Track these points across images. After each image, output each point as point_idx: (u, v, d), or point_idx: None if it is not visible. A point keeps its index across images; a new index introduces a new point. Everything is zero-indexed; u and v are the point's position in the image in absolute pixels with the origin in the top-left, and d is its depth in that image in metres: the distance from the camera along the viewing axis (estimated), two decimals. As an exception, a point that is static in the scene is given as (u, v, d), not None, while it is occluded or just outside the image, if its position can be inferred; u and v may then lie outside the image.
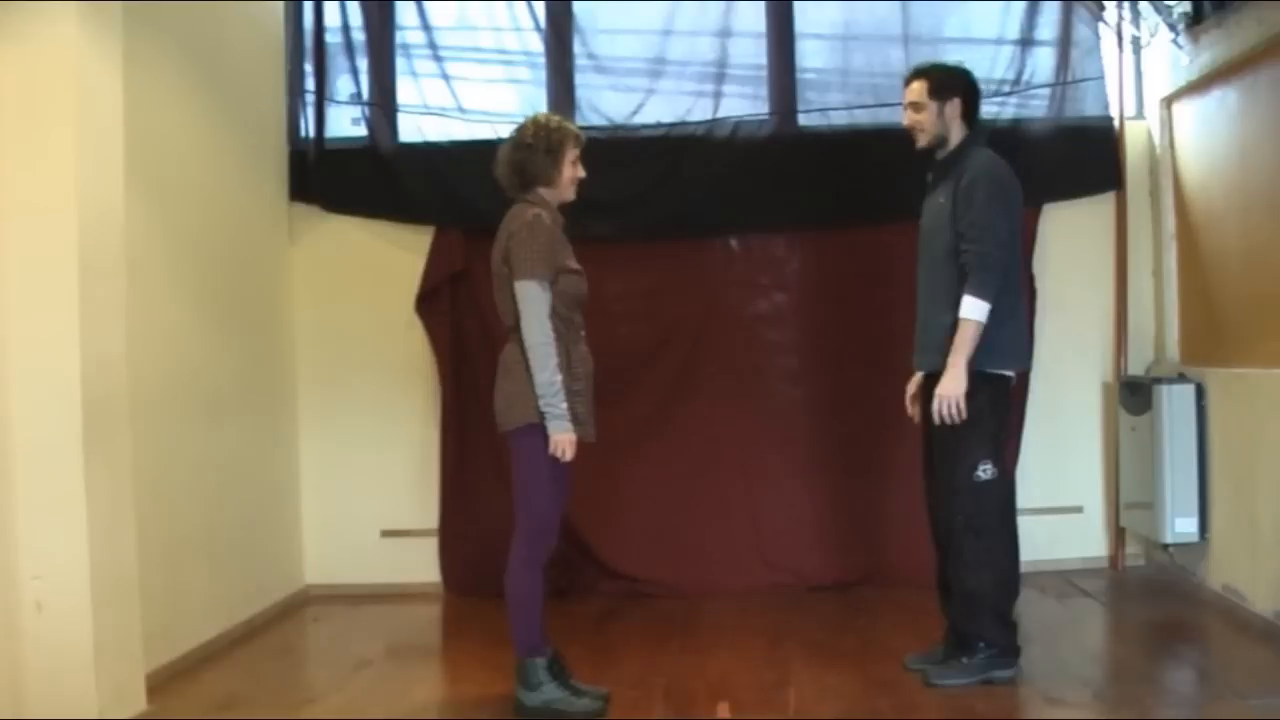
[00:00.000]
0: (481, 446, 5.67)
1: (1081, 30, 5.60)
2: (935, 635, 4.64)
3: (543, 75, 5.79)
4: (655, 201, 5.63)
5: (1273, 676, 4.02)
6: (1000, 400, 4.04)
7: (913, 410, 4.24)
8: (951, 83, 4.09)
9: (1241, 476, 4.76)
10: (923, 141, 4.14)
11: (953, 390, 3.89)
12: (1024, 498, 5.51)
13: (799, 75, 5.73)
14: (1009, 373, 4.06)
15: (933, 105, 4.07)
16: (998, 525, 4.01)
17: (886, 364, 5.56)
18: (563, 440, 3.73)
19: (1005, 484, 4.06)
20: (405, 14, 5.79)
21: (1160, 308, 5.64)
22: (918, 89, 4.11)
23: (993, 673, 3.99)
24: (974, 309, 3.88)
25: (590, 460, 5.48)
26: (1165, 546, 5.20)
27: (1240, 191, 4.93)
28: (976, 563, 3.97)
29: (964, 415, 3.89)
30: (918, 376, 4.20)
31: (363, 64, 5.78)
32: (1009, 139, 5.59)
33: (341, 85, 5.89)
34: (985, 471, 3.95)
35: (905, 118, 4.17)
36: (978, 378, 3.93)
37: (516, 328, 3.79)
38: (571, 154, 3.89)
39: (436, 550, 5.75)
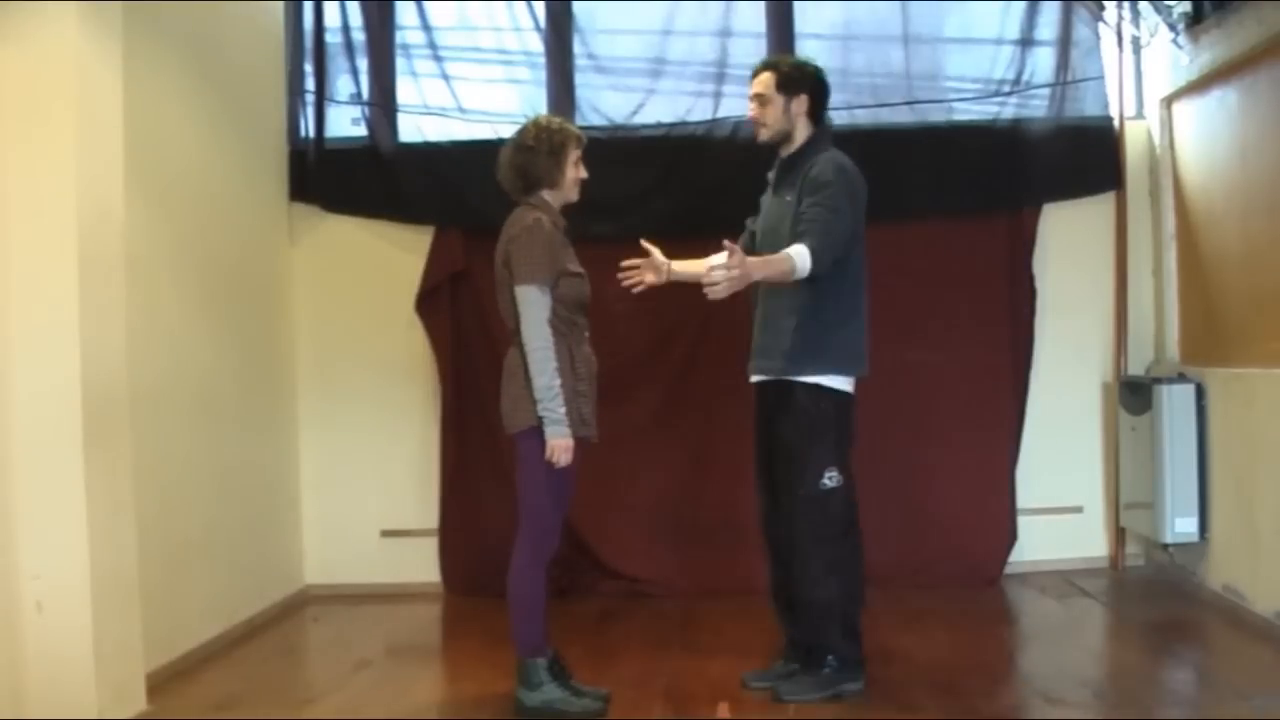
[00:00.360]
0: (481, 446, 5.66)
1: (1081, 30, 5.59)
2: (936, 635, 4.66)
3: (543, 75, 5.79)
4: (655, 201, 5.63)
5: (1273, 676, 4.03)
6: (844, 407, 3.92)
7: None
8: (800, 78, 3.94)
9: (1241, 476, 4.76)
10: (764, 136, 3.99)
11: (742, 270, 3.61)
12: (1024, 498, 5.58)
13: (799, 75, 5.72)
14: (850, 381, 3.93)
15: (779, 99, 3.92)
16: (843, 534, 3.89)
17: (887, 362, 5.57)
18: (558, 446, 3.73)
19: (850, 492, 3.92)
20: (405, 14, 5.79)
21: (1160, 308, 5.64)
22: (765, 80, 3.95)
23: (842, 686, 3.89)
24: (800, 257, 3.66)
25: (591, 460, 5.50)
26: (1165, 546, 5.20)
27: (1240, 191, 4.93)
28: (823, 574, 3.86)
29: (801, 425, 3.81)
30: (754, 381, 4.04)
31: (363, 64, 5.78)
32: (1009, 139, 5.62)
33: (341, 85, 5.89)
34: (830, 479, 3.85)
35: (749, 109, 4.03)
36: (821, 387, 3.84)
37: (518, 331, 3.79)
38: (574, 155, 3.89)
39: (436, 550, 5.75)
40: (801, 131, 3.97)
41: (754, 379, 4.04)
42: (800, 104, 3.94)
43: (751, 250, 3.92)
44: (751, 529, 5.59)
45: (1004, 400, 5.56)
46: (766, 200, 4.07)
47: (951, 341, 5.57)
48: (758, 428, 4.04)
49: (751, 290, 3.92)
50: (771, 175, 4.06)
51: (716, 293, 3.63)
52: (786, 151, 4.00)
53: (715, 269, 3.66)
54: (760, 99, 3.97)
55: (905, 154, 5.59)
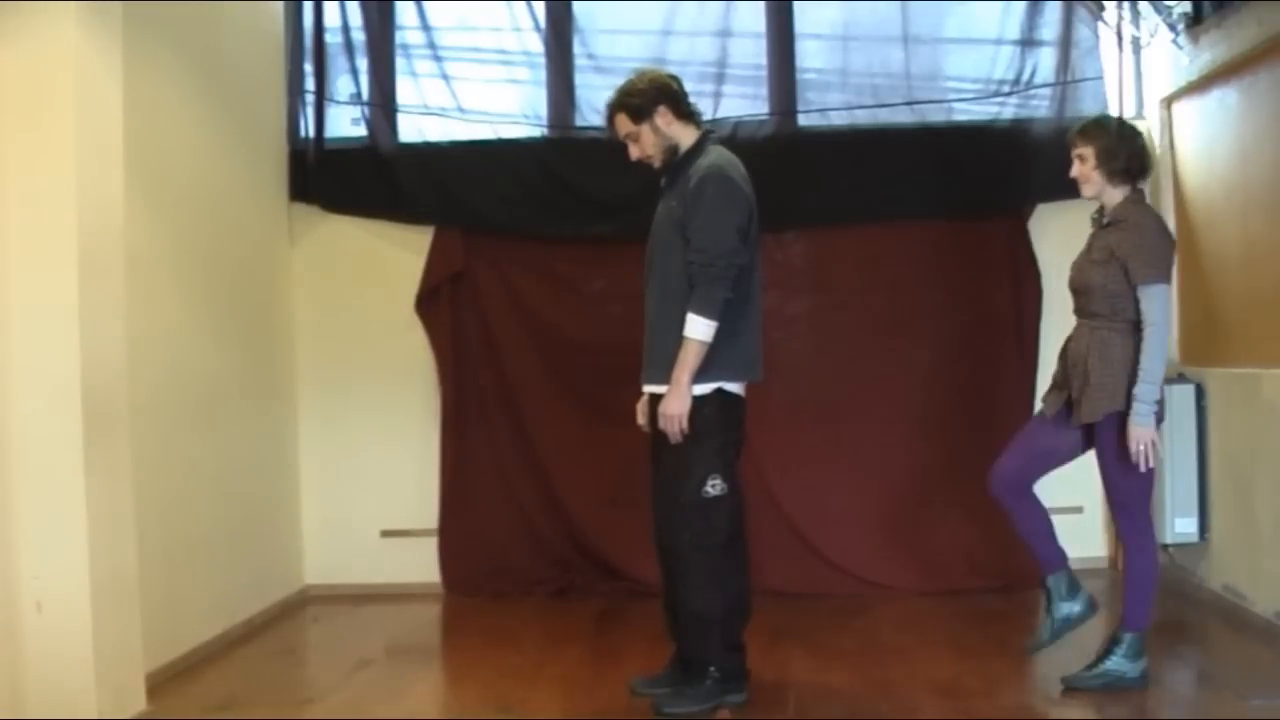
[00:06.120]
0: (481, 446, 5.67)
1: (1081, 30, 5.59)
2: (936, 635, 4.67)
3: (543, 75, 5.79)
4: (655, 202, 5.62)
5: (1273, 676, 4.03)
6: (731, 412, 3.83)
7: (643, 423, 3.98)
8: (644, 99, 3.87)
9: (1241, 476, 4.76)
10: (658, 164, 3.92)
11: (675, 409, 3.69)
12: (1024, 498, 5.56)
13: (799, 75, 5.72)
14: (738, 386, 3.85)
15: (644, 128, 3.87)
16: (727, 543, 3.79)
17: (886, 364, 5.59)
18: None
19: (735, 500, 3.83)
20: (405, 14, 5.79)
21: (1160, 308, 5.63)
22: (621, 122, 3.90)
23: (725, 698, 3.81)
24: (698, 328, 3.67)
25: (591, 461, 5.53)
26: (1165, 546, 5.19)
27: (1240, 192, 4.93)
28: (705, 584, 3.77)
29: (687, 432, 3.71)
30: (646, 393, 3.93)
31: (363, 64, 5.78)
32: (1009, 139, 5.62)
33: (341, 85, 5.89)
34: (714, 487, 3.75)
35: (631, 153, 3.94)
36: (703, 394, 3.74)
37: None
38: None
39: (436, 550, 5.75)
40: (685, 136, 3.92)
41: (646, 389, 3.93)
42: (664, 117, 3.87)
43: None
44: (755, 529, 5.63)
45: (1011, 400, 5.55)
46: (659, 207, 4.00)
47: (955, 342, 5.56)
48: (651, 435, 3.93)
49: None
50: (664, 181, 3.99)
51: (673, 430, 3.72)
52: (674, 159, 3.93)
53: (662, 419, 3.74)
54: (630, 138, 3.93)
55: (905, 154, 5.59)
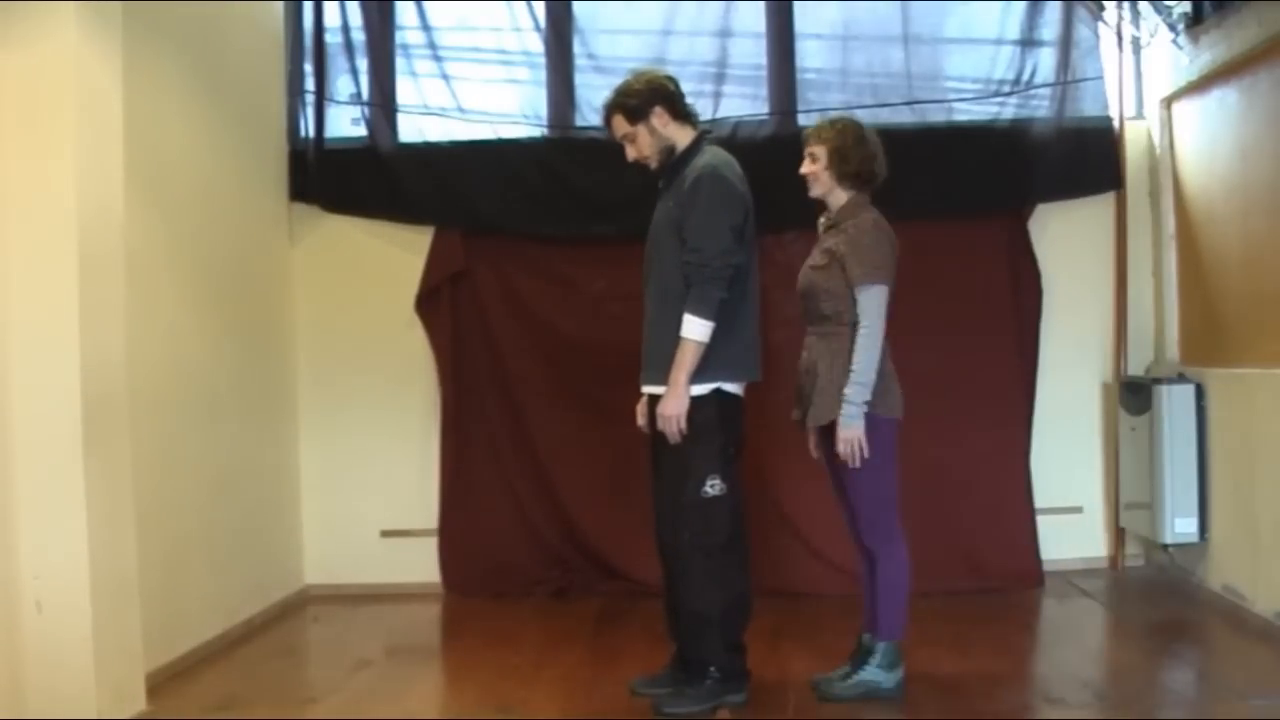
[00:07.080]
0: (481, 446, 5.67)
1: (1081, 30, 5.59)
2: (936, 635, 4.66)
3: (543, 75, 5.79)
4: (655, 202, 5.62)
5: (1273, 676, 4.03)
6: (730, 412, 3.83)
7: (643, 423, 3.98)
8: (640, 100, 3.88)
9: (1241, 476, 4.76)
10: (655, 164, 3.93)
11: (673, 410, 3.70)
12: (1024, 498, 5.56)
13: (799, 75, 5.73)
14: (737, 386, 3.85)
15: (640, 129, 3.88)
16: (727, 543, 3.80)
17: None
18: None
19: (735, 500, 3.82)
20: (405, 14, 5.79)
21: (1160, 308, 5.64)
22: (618, 123, 3.91)
23: (725, 698, 3.82)
24: (694, 329, 3.69)
25: (591, 461, 5.53)
26: (1165, 547, 5.20)
27: (1240, 192, 4.93)
28: (705, 584, 3.78)
29: (686, 433, 3.72)
30: (645, 394, 3.93)
31: (363, 64, 5.78)
32: (1009, 139, 5.62)
33: (341, 85, 5.89)
34: (714, 487, 3.76)
35: (628, 154, 3.96)
36: (701, 395, 3.75)
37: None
38: None
39: (436, 550, 5.75)
40: (681, 137, 3.92)
41: (645, 390, 3.93)
42: (660, 118, 3.88)
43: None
44: (755, 529, 5.62)
45: (1014, 401, 5.54)
46: (656, 208, 4.00)
47: (956, 342, 5.55)
48: (651, 435, 3.92)
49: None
50: (661, 182, 3.99)
51: (671, 431, 3.73)
52: (671, 159, 3.94)
53: (660, 420, 3.75)
54: (627, 139, 3.93)
55: (905, 154, 5.54)
